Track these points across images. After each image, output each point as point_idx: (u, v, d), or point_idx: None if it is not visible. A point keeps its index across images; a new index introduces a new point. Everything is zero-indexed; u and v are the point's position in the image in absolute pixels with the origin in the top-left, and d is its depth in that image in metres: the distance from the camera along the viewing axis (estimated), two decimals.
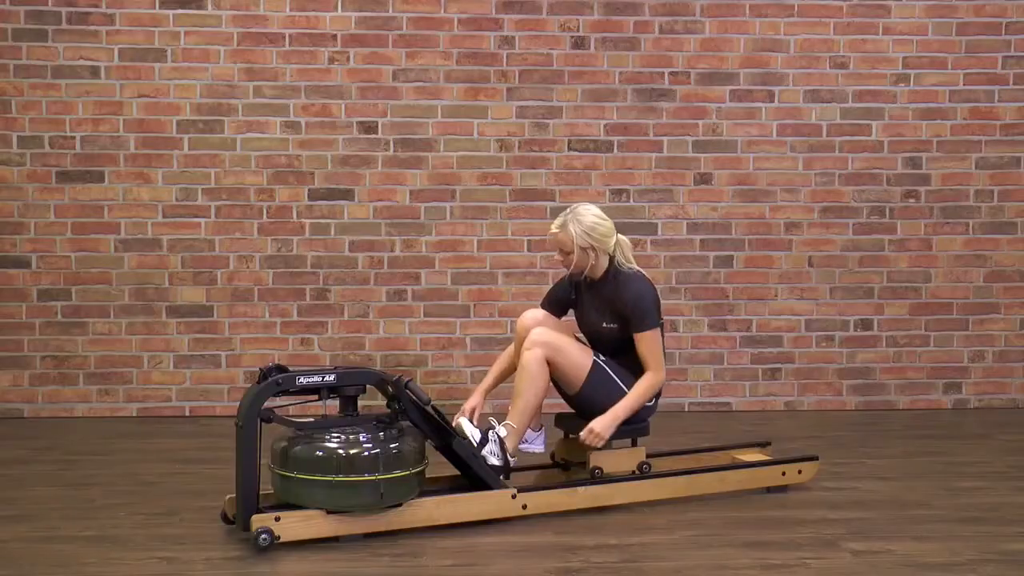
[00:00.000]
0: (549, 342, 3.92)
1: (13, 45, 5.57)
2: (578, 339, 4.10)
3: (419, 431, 3.69)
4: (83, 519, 3.80)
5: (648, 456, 4.25)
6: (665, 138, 5.81)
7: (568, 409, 4.18)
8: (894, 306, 5.92)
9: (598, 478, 3.96)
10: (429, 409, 3.73)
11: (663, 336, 4.06)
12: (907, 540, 3.57)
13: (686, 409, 5.87)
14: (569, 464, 4.20)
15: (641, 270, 4.09)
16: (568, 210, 4.01)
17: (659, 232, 5.83)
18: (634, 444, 4.10)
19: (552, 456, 4.28)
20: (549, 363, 3.93)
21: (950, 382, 5.95)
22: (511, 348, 4.16)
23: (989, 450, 4.94)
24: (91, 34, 5.60)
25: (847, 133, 5.85)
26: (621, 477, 3.99)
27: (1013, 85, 5.86)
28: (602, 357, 4.03)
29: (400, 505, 3.59)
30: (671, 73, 5.80)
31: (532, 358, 3.90)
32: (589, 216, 3.98)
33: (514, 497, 3.76)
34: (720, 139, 5.83)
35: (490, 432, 3.84)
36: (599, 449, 3.99)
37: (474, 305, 5.80)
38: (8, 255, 5.63)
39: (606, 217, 4.03)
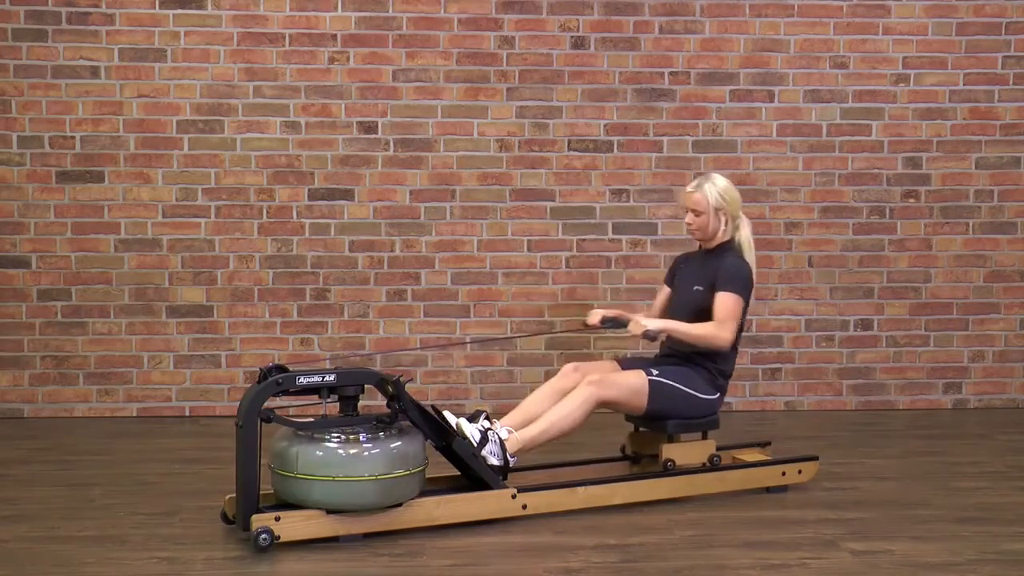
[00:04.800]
0: (601, 380, 3.98)
1: (13, 45, 5.57)
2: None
3: (419, 431, 3.69)
4: (83, 519, 3.81)
5: (648, 456, 4.26)
6: (665, 138, 5.81)
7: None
8: (894, 306, 5.92)
9: (670, 470, 4.02)
10: (429, 409, 3.74)
11: (743, 319, 4.14)
12: (907, 540, 3.58)
13: None
14: (639, 457, 4.27)
15: (753, 257, 4.21)
16: (703, 175, 4.22)
17: (659, 232, 5.83)
18: (704, 437, 4.17)
19: (622, 449, 4.34)
20: (606, 402, 3.98)
21: (950, 382, 5.95)
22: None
23: (989, 450, 4.94)
24: (91, 34, 5.60)
25: (847, 133, 5.85)
26: (692, 469, 4.06)
27: (1013, 85, 5.86)
28: (654, 372, 4.07)
29: (400, 505, 3.59)
30: (671, 73, 5.80)
31: (583, 398, 3.94)
32: (722, 180, 4.20)
33: (514, 497, 3.76)
34: (720, 139, 5.83)
35: (490, 432, 3.84)
36: (671, 441, 4.09)
37: (474, 305, 5.80)
38: (8, 255, 5.63)
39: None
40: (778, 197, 5.86)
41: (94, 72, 5.61)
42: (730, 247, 4.20)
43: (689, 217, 4.20)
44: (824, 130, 5.85)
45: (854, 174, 5.87)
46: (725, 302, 4.06)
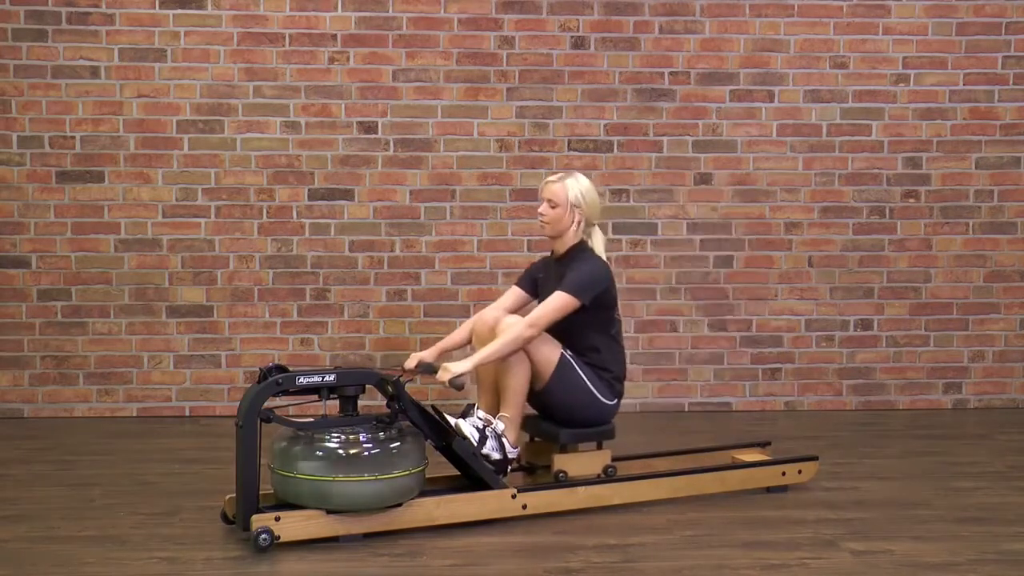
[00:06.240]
0: (535, 323, 3.86)
1: (13, 45, 5.57)
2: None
3: (419, 431, 3.69)
4: (83, 519, 3.81)
5: (649, 456, 4.24)
6: (665, 138, 5.82)
7: (532, 412, 4.14)
8: (894, 306, 5.92)
9: (563, 482, 3.91)
10: (429, 409, 3.74)
11: (613, 315, 4.02)
12: (907, 540, 3.58)
13: (686, 409, 5.87)
14: (534, 467, 4.15)
15: (605, 260, 4.06)
16: (568, 171, 4.14)
17: (659, 232, 5.83)
18: (599, 447, 4.06)
19: (517, 459, 4.21)
20: (528, 341, 3.86)
21: (950, 382, 5.95)
22: (468, 327, 4.13)
23: (989, 450, 4.94)
24: (91, 34, 5.60)
25: (847, 133, 5.85)
26: (587, 481, 3.94)
27: (1013, 85, 5.86)
28: (569, 352, 3.99)
29: (400, 505, 3.59)
30: (671, 73, 5.80)
31: (516, 338, 3.82)
32: (587, 181, 4.10)
33: (514, 497, 3.76)
34: (720, 139, 5.83)
35: (487, 428, 3.83)
36: (563, 452, 3.98)
37: (474, 305, 5.80)
38: (8, 255, 5.63)
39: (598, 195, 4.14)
40: (778, 197, 5.86)
41: (94, 72, 5.62)
42: (581, 250, 4.05)
43: (543, 207, 4.05)
44: (824, 130, 5.85)
45: (854, 174, 5.87)
46: (550, 300, 3.90)
